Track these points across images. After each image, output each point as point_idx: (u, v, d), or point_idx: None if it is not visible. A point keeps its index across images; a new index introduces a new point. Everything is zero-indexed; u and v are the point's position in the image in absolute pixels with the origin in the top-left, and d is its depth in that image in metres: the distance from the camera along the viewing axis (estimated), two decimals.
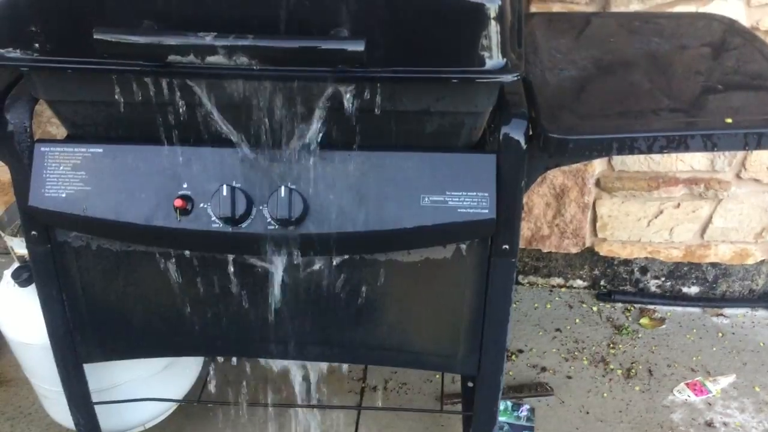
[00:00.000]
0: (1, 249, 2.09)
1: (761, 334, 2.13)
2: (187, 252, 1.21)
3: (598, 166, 2.05)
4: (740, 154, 2.00)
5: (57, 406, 1.57)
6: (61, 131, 1.22)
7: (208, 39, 0.92)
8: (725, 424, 1.86)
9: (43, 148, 1.15)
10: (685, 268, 2.22)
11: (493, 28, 0.98)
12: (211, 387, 1.76)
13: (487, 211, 1.11)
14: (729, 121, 1.11)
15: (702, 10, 1.78)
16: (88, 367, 1.40)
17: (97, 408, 1.47)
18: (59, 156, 1.15)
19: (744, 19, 1.79)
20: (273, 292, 1.24)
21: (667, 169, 2.03)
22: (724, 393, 1.94)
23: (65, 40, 1.02)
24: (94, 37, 0.95)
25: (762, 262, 2.19)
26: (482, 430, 1.41)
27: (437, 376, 1.96)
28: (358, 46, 0.93)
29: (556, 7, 1.82)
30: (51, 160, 1.15)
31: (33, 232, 1.22)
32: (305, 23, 0.96)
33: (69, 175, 1.15)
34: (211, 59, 0.94)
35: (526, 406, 1.89)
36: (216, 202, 1.11)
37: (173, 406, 1.70)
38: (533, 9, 1.83)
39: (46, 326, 1.33)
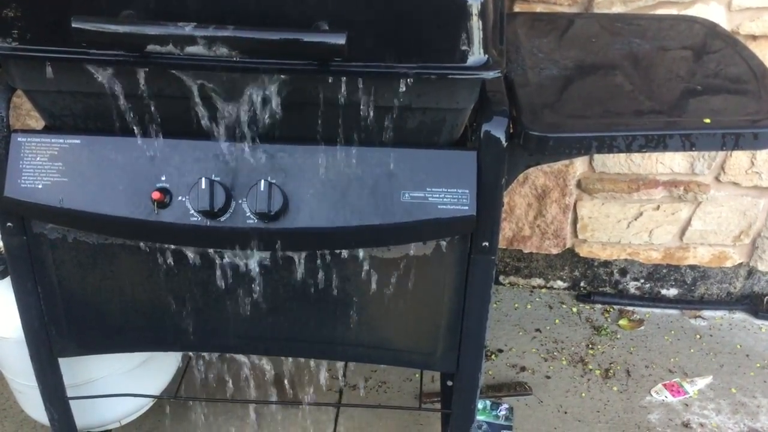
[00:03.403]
0: None
1: (738, 337, 2.15)
2: (164, 245, 1.20)
3: (579, 167, 2.07)
4: (720, 157, 2.01)
5: (31, 402, 1.55)
6: (40, 124, 1.21)
7: (188, 29, 0.92)
8: (702, 425, 1.88)
9: (19, 138, 1.14)
10: (664, 270, 2.23)
11: (475, 24, 0.99)
12: (189, 383, 1.75)
13: (467, 207, 1.11)
14: (707, 121, 1.12)
15: (684, 13, 1.80)
16: (63, 362, 1.39)
17: (72, 403, 1.45)
18: (36, 146, 1.14)
19: (725, 22, 1.81)
20: (251, 287, 1.23)
21: (647, 172, 2.04)
22: (701, 394, 1.96)
23: (43, 29, 1.01)
24: (72, 25, 0.94)
25: (740, 265, 2.21)
26: (460, 427, 1.41)
27: (416, 375, 1.96)
28: (339, 39, 0.93)
29: (539, 8, 1.83)
30: (28, 150, 1.14)
31: (8, 224, 1.21)
32: (287, 15, 0.96)
33: (46, 165, 1.13)
34: (190, 49, 0.93)
35: (505, 406, 1.89)
36: (194, 195, 1.10)
37: (150, 402, 1.68)
38: (516, 9, 1.83)
39: (21, 320, 1.32)
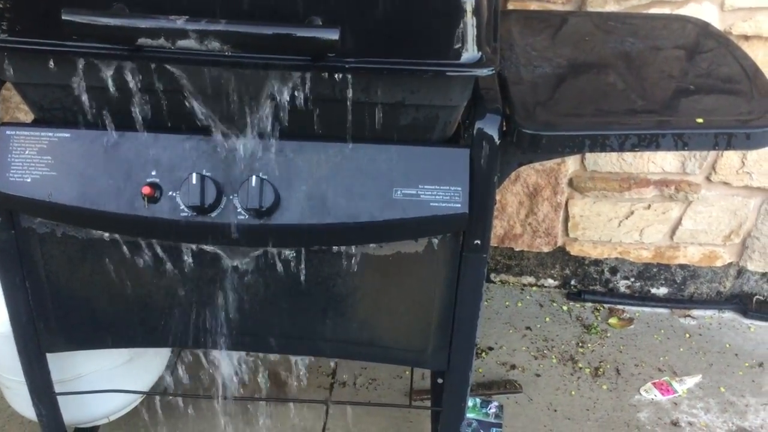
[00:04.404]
0: None
1: (727, 336, 2.16)
2: (154, 241, 1.19)
3: (571, 165, 2.07)
4: (711, 157, 2.02)
5: (19, 397, 1.54)
6: (29, 117, 1.20)
7: (180, 22, 0.91)
8: (690, 423, 1.88)
9: (8, 132, 1.13)
10: (655, 269, 2.24)
11: (469, 21, 0.98)
12: (177, 380, 1.74)
13: (459, 205, 1.11)
14: (700, 121, 1.12)
15: (677, 12, 1.80)
16: (51, 357, 1.37)
17: (60, 399, 1.44)
18: (25, 140, 1.13)
19: (717, 22, 1.81)
20: (241, 283, 1.22)
21: (639, 171, 2.04)
22: (690, 393, 1.97)
23: (33, 21, 1.00)
24: (63, 18, 0.93)
25: (730, 264, 2.22)
26: (450, 425, 1.40)
27: (407, 372, 1.95)
28: (333, 35, 0.92)
29: (533, 6, 1.83)
30: (16, 143, 1.13)
31: None
32: (280, 10, 0.95)
33: (35, 159, 1.12)
34: (182, 43, 0.92)
35: (495, 403, 1.89)
36: (185, 190, 1.09)
37: (138, 398, 1.67)
38: (510, 6, 1.83)
39: (9, 314, 1.31)
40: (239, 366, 1.63)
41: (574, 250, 2.22)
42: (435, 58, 1.01)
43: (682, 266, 2.23)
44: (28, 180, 1.12)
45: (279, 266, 1.20)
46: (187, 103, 1.06)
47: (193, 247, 1.20)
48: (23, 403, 1.51)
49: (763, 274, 2.23)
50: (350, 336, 1.30)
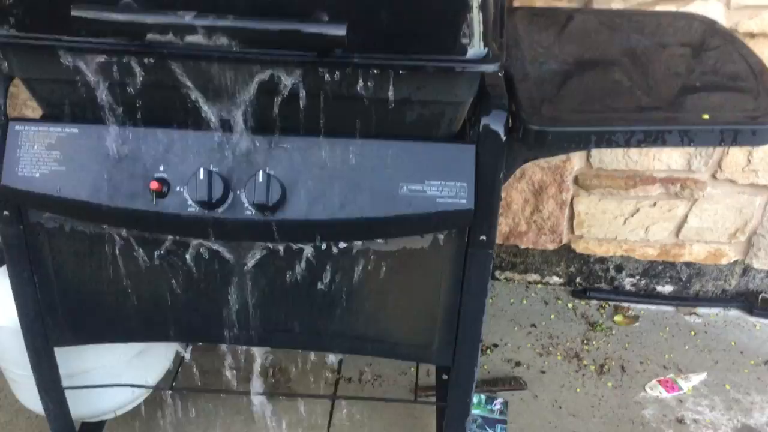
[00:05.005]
0: None
1: (733, 334, 2.15)
2: (162, 236, 1.20)
3: (576, 163, 2.07)
4: (716, 154, 2.02)
5: (26, 391, 1.55)
6: (36, 114, 1.21)
7: (188, 18, 0.91)
8: (696, 420, 1.88)
9: (17, 127, 1.14)
10: (660, 267, 2.24)
11: (476, 17, 0.99)
12: (184, 374, 1.75)
13: (465, 201, 1.11)
14: (706, 117, 1.12)
15: (682, 9, 1.80)
16: (58, 352, 1.38)
17: (67, 393, 1.45)
18: (34, 135, 1.13)
19: (723, 20, 1.81)
20: (248, 278, 1.23)
21: (645, 168, 2.04)
22: (695, 390, 1.97)
23: (42, 17, 1.01)
24: (72, 13, 0.94)
25: (735, 262, 2.21)
26: (455, 421, 1.41)
27: (412, 368, 1.96)
28: (340, 31, 0.93)
29: (539, 3, 1.83)
30: (25, 139, 1.13)
31: (5, 212, 1.20)
32: (287, 6, 0.96)
33: (43, 154, 1.13)
34: (190, 39, 0.93)
35: (500, 400, 1.89)
36: (192, 185, 1.10)
37: (145, 393, 1.68)
38: (516, 3, 1.83)
39: (17, 309, 1.32)
40: (245, 361, 1.64)
41: (580, 247, 2.22)
42: (441, 54, 1.01)
43: (687, 264, 2.22)
44: (37, 175, 1.13)
45: (285, 262, 1.21)
46: (194, 99, 1.07)
47: (200, 241, 1.20)
48: (31, 397, 1.52)
49: None
50: (356, 331, 1.30)
